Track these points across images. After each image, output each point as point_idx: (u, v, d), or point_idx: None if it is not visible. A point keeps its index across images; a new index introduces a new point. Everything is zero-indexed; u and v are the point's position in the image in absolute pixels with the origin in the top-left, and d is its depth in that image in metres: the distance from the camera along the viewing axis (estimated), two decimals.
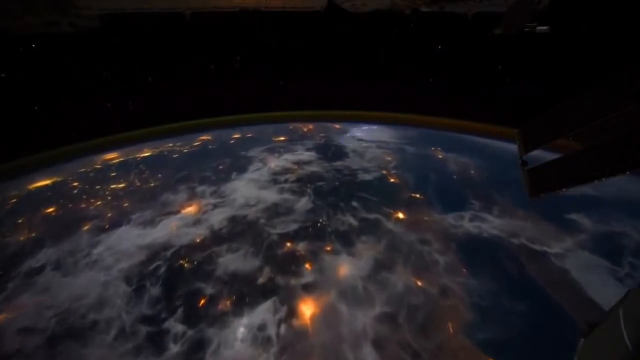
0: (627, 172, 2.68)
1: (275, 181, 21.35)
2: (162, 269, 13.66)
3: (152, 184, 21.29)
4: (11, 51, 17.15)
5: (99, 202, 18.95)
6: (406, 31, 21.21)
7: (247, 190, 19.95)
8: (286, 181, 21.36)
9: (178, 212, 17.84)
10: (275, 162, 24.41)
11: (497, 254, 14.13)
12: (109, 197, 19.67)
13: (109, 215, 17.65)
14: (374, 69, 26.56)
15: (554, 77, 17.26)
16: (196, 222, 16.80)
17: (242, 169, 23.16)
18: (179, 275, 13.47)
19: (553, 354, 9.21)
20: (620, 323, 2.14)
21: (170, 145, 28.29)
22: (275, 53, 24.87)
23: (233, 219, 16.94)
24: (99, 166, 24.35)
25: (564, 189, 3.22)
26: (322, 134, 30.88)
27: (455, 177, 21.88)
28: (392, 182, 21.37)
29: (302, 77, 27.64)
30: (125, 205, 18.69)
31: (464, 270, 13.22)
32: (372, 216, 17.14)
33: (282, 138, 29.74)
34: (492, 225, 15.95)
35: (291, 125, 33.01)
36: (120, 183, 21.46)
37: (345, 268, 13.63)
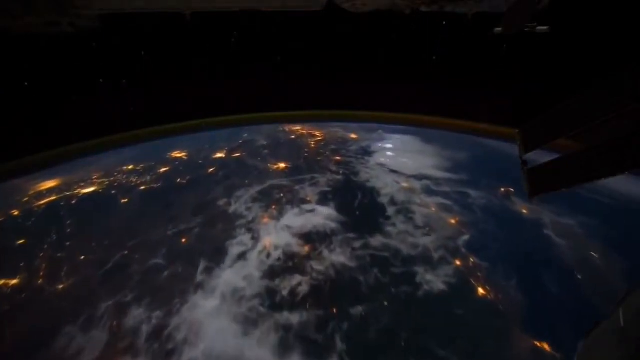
0: (627, 172, 2.68)
1: (271, 299, 11.60)
2: None
3: (60, 286, 12.29)
4: (11, 51, 17.15)
5: None
6: (406, 31, 21.23)
7: (221, 338, 10.32)
8: (292, 300, 11.57)
9: None
10: (273, 236, 14.60)
11: None
12: None
13: None
14: (374, 69, 26.57)
15: (554, 77, 17.26)
16: None
17: (216, 253, 13.64)
18: None
19: None
20: (620, 323, 2.14)
21: (130, 167, 20.33)
22: (275, 53, 24.89)
23: None
24: (16, 212, 16.47)
25: (564, 189, 3.22)
26: (336, 156, 22.17)
27: (579, 276, 12.34)
28: (483, 299, 11.47)
29: (302, 77, 27.63)
30: None
31: None
32: None
33: (283, 165, 21.01)
34: None
35: (293, 134, 26.32)
36: (14, 276, 12.73)
37: None
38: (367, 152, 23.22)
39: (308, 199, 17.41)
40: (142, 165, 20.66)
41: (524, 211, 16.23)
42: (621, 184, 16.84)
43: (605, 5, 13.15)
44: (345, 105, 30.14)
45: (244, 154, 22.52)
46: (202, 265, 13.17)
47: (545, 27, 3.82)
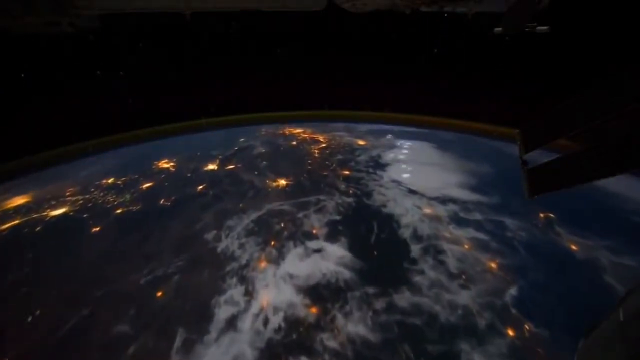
0: (627, 172, 2.68)
1: None
2: None
3: None
4: (11, 51, 17.16)
5: None
6: (406, 31, 21.21)
7: None
8: None
9: None
10: (271, 291, 11.38)
11: None
12: None
13: None
14: (374, 69, 26.59)
15: (554, 77, 17.27)
16: None
17: (199, 317, 10.33)
18: None
19: None
20: (620, 322, 2.14)
21: (110, 181, 17.84)
22: (275, 52, 24.90)
23: None
24: None
25: (563, 189, 3.22)
26: (344, 169, 18.95)
27: None
28: None
29: (302, 77, 27.64)
30: None
31: None
32: None
33: (283, 182, 17.94)
34: None
35: (293, 139, 24.33)
36: None
37: None
38: (378, 164, 20.02)
39: (314, 232, 14.26)
40: (123, 179, 17.96)
41: (574, 247, 13.41)
42: None
43: (605, 6, 13.15)
44: (345, 105, 30.20)
45: (239, 165, 19.35)
46: (180, 336, 9.70)
47: (545, 27, 3.82)
